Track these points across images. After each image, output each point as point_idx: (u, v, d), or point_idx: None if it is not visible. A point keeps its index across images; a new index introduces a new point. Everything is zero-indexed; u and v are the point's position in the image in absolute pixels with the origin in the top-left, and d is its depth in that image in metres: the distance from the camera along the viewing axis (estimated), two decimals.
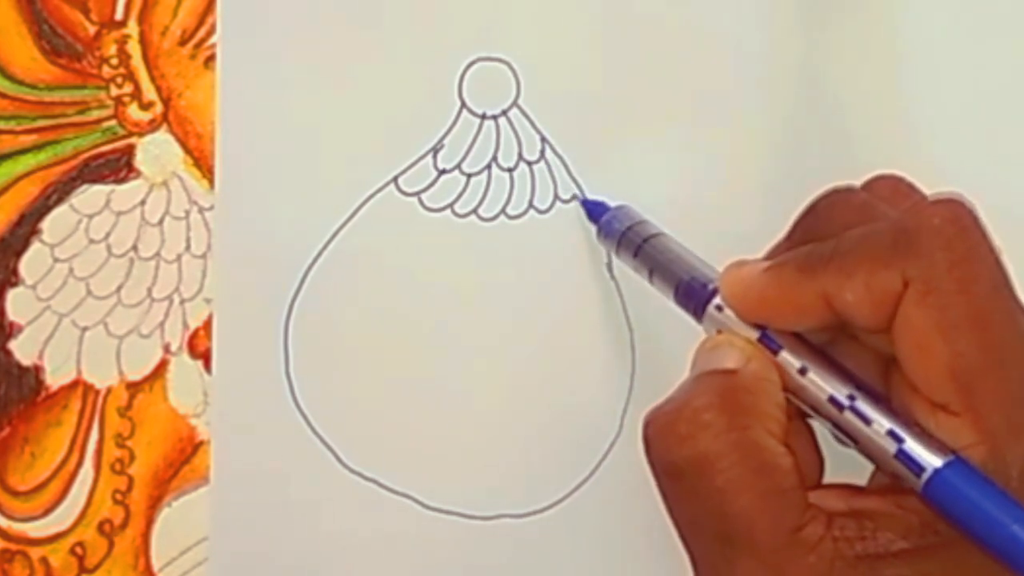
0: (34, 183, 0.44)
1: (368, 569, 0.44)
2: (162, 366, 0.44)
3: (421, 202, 0.44)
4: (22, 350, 0.44)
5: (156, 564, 0.44)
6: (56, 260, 0.44)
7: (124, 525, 0.44)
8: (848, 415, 0.32)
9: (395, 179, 0.44)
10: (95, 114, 0.44)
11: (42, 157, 0.44)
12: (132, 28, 0.44)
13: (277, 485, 0.44)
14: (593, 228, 0.44)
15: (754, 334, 0.34)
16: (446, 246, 0.44)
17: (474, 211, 0.44)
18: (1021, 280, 0.45)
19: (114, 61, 0.44)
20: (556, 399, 0.45)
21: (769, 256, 0.36)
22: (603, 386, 0.45)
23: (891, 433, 0.31)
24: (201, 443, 0.44)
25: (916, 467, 0.31)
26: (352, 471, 0.44)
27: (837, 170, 0.45)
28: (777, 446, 0.32)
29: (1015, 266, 0.45)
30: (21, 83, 0.44)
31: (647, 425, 0.33)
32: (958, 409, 0.30)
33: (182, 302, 0.44)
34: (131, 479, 0.44)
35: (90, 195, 0.44)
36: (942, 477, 0.30)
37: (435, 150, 0.44)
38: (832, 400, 0.32)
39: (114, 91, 0.44)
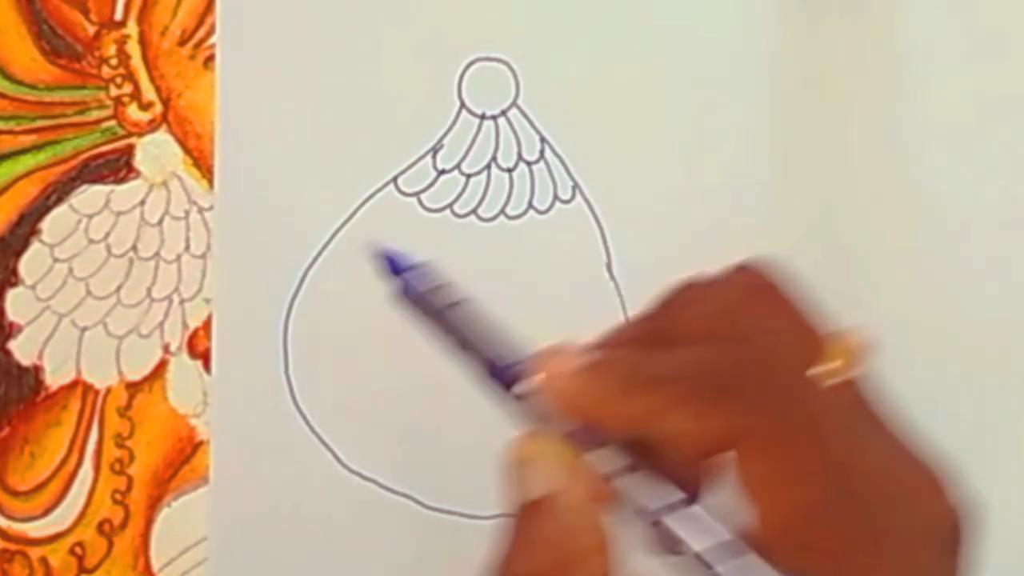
0: (34, 183, 0.44)
1: (367, 569, 0.44)
2: (162, 366, 0.44)
3: (420, 202, 0.44)
4: (22, 350, 0.44)
5: (155, 564, 0.44)
6: (56, 260, 0.44)
7: (124, 525, 0.44)
8: (662, 525, 0.31)
9: (394, 179, 0.44)
10: (95, 114, 0.44)
11: (42, 157, 0.44)
12: (132, 28, 0.44)
13: (276, 485, 0.44)
14: (585, 230, 0.44)
15: (566, 428, 0.32)
16: (445, 246, 0.44)
17: (473, 211, 0.44)
18: (1021, 283, 0.45)
19: (113, 61, 0.44)
20: None
21: (611, 338, 0.34)
22: None
23: (698, 557, 0.30)
24: (200, 443, 0.44)
25: None
26: (351, 471, 0.44)
27: (837, 170, 0.45)
28: None
29: (1014, 265, 0.46)
30: (21, 83, 0.44)
31: None
32: (795, 553, 0.30)
33: (182, 302, 0.44)
34: (131, 479, 0.44)
35: (90, 195, 0.44)
36: None
37: (434, 150, 0.44)
38: (646, 508, 0.31)
39: (114, 91, 0.44)
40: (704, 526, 0.31)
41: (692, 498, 0.32)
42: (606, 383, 0.31)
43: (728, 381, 0.30)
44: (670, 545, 0.31)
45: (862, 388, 0.33)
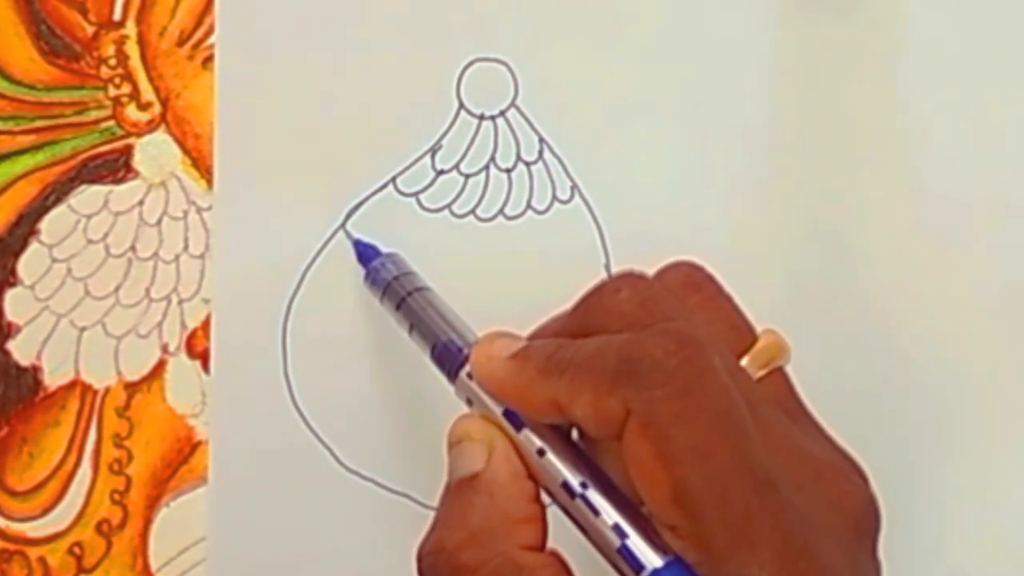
0: (32, 183, 0.44)
1: (366, 568, 0.44)
2: (160, 366, 0.44)
3: (419, 202, 0.44)
4: (20, 350, 0.44)
5: (154, 564, 0.44)
6: (54, 260, 0.44)
7: (122, 525, 0.44)
8: (578, 503, 0.32)
9: (393, 179, 0.44)
10: (93, 114, 0.44)
11: (40, 157, 0.44)
12: (130, 29, 0.44)
13: (275, 485, 0.44)
14: (584, 230, 0.44)
15: (499, 409, 0.34)
16: (444, 246, 0.44)
17: (472, 211, 0.45)
18: (1021, 278, 0.46)
19: (112, 62, 0.44)
20: None
21: (546, 326, 0.36)
22: None
23: (616, 527, 0.31)
24: (199, 443, 0.44)
25: (636, 564, 0.31)
26: (350, 471, 0.44)
27: (836, 171, 0.45)
28: (535, 559, 0.32)
29: (1013, 265, 0.46)
30: (19, 84, 0.44)
31: (418, 562, 0.33)
32: (683, 533, 0.30)
33: (180, 302, 0.44)
34: (129, 479, 0.44)
35: (88, 195, 0.44)
36: None
37: (433, 150, 0.44)
38: (565, 486, 0.32)
39: (112, 91, 0.44)
40: (616, 504, 0.32)
41: (611, 481, 0.33)
42: (523, 371, 0.33)
43: (624, 366, 0.31)
44: (583, 524, 0.32)
45: (787, 381, 0.34)
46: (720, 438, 0.31)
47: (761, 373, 0.34)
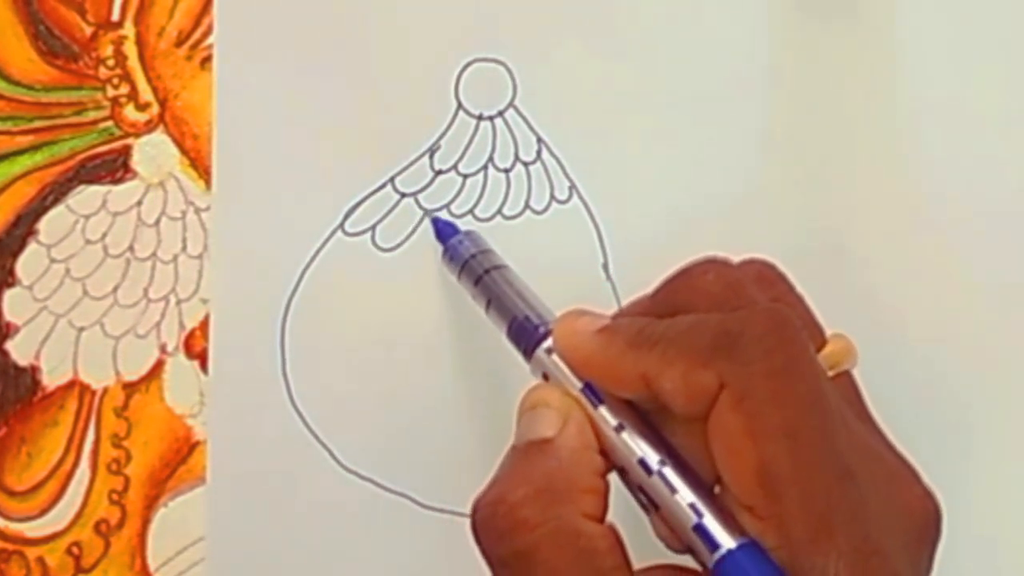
0: (31, 184, 0.44)
1: (365, 568, 0.44)
2: (158, 366, 0.44)
3: (418, 202, 0.44)
4: (19, 350, 0.44)
5: (152, 564, 0.44)
6: (53, 260, 0.44)
7: (120, 525, 0.44)
8: (655, 480, 0.32)
9: (392, 179, 0.44)
10: (92, 115, 0.44)
11: (39, 158, 0.44)
12: (128, 29, 0.44)
13: (274, 485, 0.44)
14: (582, 230, 0.44)
15: (578, 384, 0.34)
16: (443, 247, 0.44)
17: (470, 211, 0.45)
18: (1019, 284, 0.46)
19: (110, 62, 0.44)
20: None
21: (629, 308, 0.36)
22: None
23: (693, 506, 0.32)
24: (197, 443, 0.44)
25: (712, 543, 0.31)
26: (349, 470, 0.44)
27: (835, 171, 0.46)
28: (594, 528, 0.32)
29: (1011, 268, 0.46)
30: (18, 84, 0.44)
31: (473, 514, 0.33)
32: (763, 513, 0.30)
33: (178, 302, 0.44)
34: (127, 479, 0.44)
35: (87, 196, 0.44)
36: (734, 558, 0.30)
37: (432, 151, 0.44)
38: (642, 463, 0.33)
39: (110, 92, 0.44)
40: (691, 484, 0.32)
41: (687, 463, 0.33)
42: (612, 345, 0.33)
43: (722, 339, 0.31)
44: (658, 501, 0.32)
45: (855, 385, 0.35)
46: (811, 422, 0.31)
47: (830, 375, 0.34)
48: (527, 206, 0.45)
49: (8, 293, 0.44)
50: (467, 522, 0.45)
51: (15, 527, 0.44)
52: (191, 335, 0.44)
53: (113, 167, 0.44)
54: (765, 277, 0.35)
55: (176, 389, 0.44)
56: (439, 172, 0.44)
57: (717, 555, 0.31)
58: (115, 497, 0.44)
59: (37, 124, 0.44)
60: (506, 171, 0.45)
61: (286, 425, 0.44)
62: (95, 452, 0.44)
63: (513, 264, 0.44)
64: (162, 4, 0.44)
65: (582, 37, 0.45)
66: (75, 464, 0.44)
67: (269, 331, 0.44)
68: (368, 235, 0.44)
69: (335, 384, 0.44)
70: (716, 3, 0.45)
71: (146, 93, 0.44)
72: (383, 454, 0.44)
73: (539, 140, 0.45)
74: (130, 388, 0.44)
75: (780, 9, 0.45)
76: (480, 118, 0.45)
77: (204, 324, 0.44)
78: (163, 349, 0.44)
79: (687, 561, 0.33)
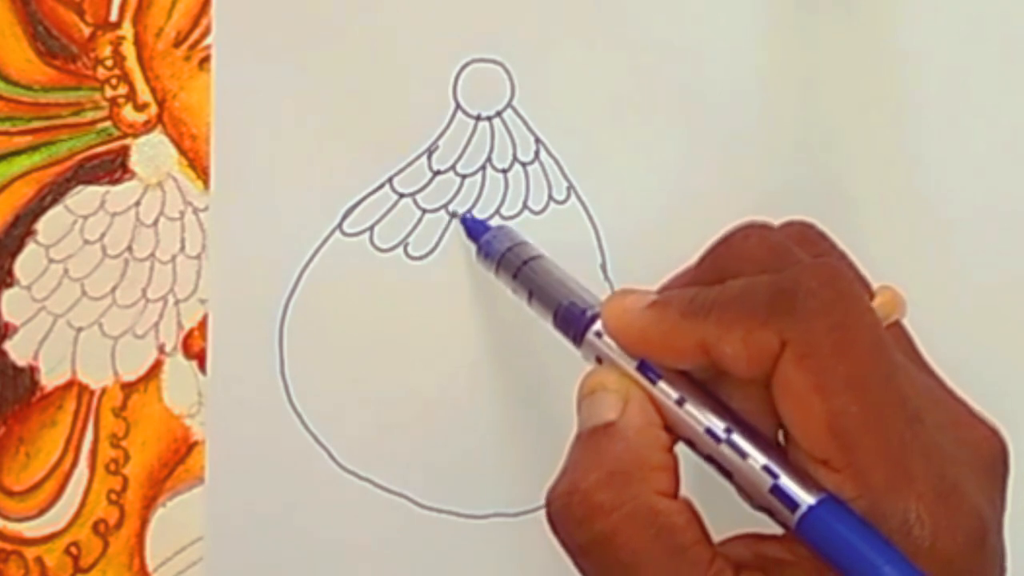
0: (29, 184, 0.44)
1: (363, 568, 0.44)
2: (157, 366, 0.44)
3: (416, 203, 0.44)
4: (17, 350, 0.44)
5: (151, 564, 0.44)
6: (51, 261, 0.44)
7: (119, 525, 0.44)
8: (724, 448, 0.32)
9: (390, 180, 0.44)
10: (90, 115, 0.44)
11: (37, 158, 0.44)
12: (127, 29, 0.44)
13: (272, 485, 0.44)
14: (580, 231, 0.44)
15: (633, 363, 0.34)
16: (441, 247, 0.44)
17: (469, 212, 0.45)
18: (1021, 283, 0.46)
19: (109, 63, 0.44)
20: (549, 398, 0.45)
21: (674, 281, 0.36)
22: None
23: (766, 468, 0.31)
24: (195, 443, 0.44)
25: (790, 503, 0.31)
26: (347, 471, 0.44)
27: (833, 171, 0.46)
28: (670, 504, 0.32)
29: (1012, 267, 0.46)
30: (16, 84, 0.44)
31: (548, 505, 0.33)
32: (838, 465, 0.30)
33: (177, 303, 0.44)
34: (126, 479, 0.44)
35: (85, 196, 0.44)
36: (816, 514, 0.30)
37: (430, 151, 0.44)
38: (709, 432, 0.32)
39: (109, 92, 0.44)
40: (762, 447, 0.32)
41: (753, 426, 0.33)
42: (665, 318, 0.33)
43: (775, 300, 0.31)
44: (730, 469, 0.32)
45: (907, 334, 0.35)
46: (875, 371, 0.31)
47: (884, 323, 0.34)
48: (525, 206, 0.45)
49: (6, 293, 0.44)
50: (463, 522, 0.45)
51: (13, 527, 0.44)
52: (189, 335, 0.44)
53: (111, 167, 0.44)
54: (807, 237, 0.36)
55: (174, 389, 0.44)
56: (437, 172, 0.44)
57: (798, 513, 0.30)
58: (113, 497, 0.44)
59: (35, 124, 0.44)
60: (504, 171, 0.45)
61: (284, 425, 0.44)
62: (93, 452, 0.44)
63: None
64: (160, 4, 0.44)
65: (580, 38, 0.45)
66: (73, 464, 0.44)
67: (267, 331, 0.44)
68: (366, 235, 0.44)
69: (333, 384, 0.44)
70: (715, 4, 0.45)
71: (144, 93, 0.44)
72: (381, 454, 0.44)
73: (537, 140, 0.45)
74: (128, 388, 0.44)
75: (779, 9, 0.45)
76: (478, 118, 0.45)
77: (202, 324, 0.44)
78: (161, 349, 0.44)
79: (763, 527, 0.33)
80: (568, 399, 0.45)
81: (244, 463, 0.44)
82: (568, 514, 0.32)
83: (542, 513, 0.45)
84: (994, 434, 0.33)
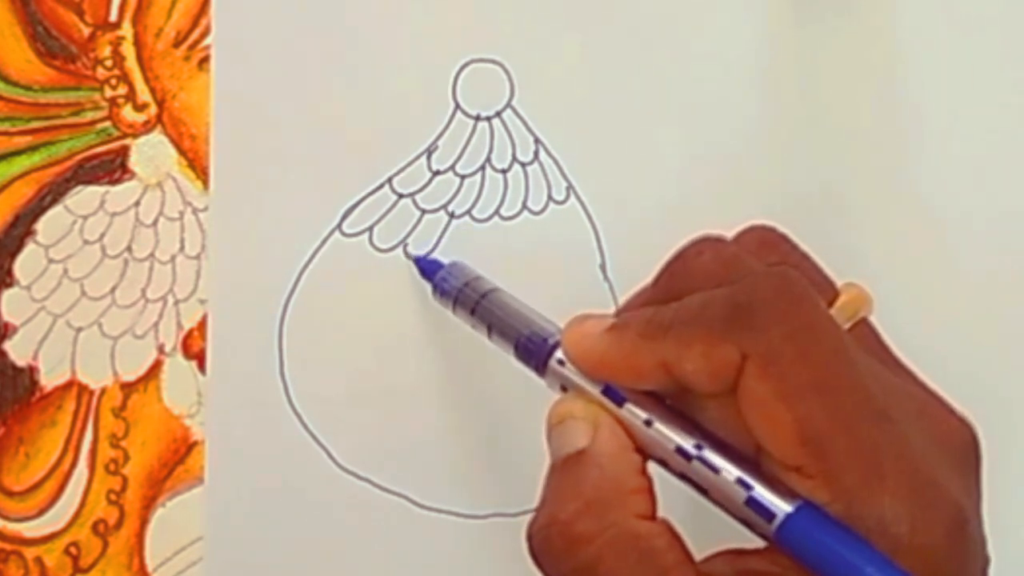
0: (28, 184, 0.44)
1: (362, 568, 0.44)
2: (156, 367, 0.44)
3: (415, 203, 0.44)
4: (17, 351, 0.44)
5: (150, 564, 0.44)
6: (50, 261, 0.44)
7: (118, 525, 0.44)
8: (696, 465, 0.32)
9: (389, 180, 0.44)
10: (89, 115, 0.44)
11: (36, 158, 0.44)
12: (126, 30, 0.44)
13: (271, 485, 0.44)
14: (580, 231, 0.44)
15: (597, 388, 0.34)
16: (440, 247, 0.44)
17: (468, 212, 0.45)
18: (1020, 281, 0.46)
19: (108, 63, 0.44)
20: (548, 398, 0.45)
21: (631, 301, 0.36)
22: None
23: (740, 481, 0.31)
24: (195, 443, 0.44)
25: (767, 513, 0.31)
26: (346, 471, 0.44)
27: (832, 171, 0.46)
28: (650, 527, 0.32)
29: (1010, 267, 0.46)
30: (16, 85, 0.44)
31: (529, 540, 0.33)
32: (811, 471, 0.30)
33: (176, 303, 0.44)
34: (125, 479, 0.44)
35: (84, 196, 0.44)
36: (793, 522, 0.30)
37: (429, 151, 0.44)
38: (679, 450, 0.32)
39: (108, 93, 0.44)
40: (733, 460, 0.32)
41: (723, 440, 0.32)
42: (624, 340, 0.33)
43: (733, 313, 0.31)
44: (704, 485, 0.32)
45: (874, 331, 0.35)
46: (838, 373, 0.31)
47: (847, 325, 0.34)
48: (524, 207, 0.45)
49: (6, 293, 0.44)
50: (463, 522, 0.45)
51: (13, 527, 0.44)
52: (189, 335, 0.44)
53: (111, 167, 0.44)
54: (767, 241, 0.36)
55: (174, 389, 0.44)
56: (436, 173, 0.44)
57: (776, 523, 0.30)
58: (113, 497, 0.44)
59: (35, 125, 0.44)
60: (503, 172, 0.45)
61: (284, 425, 0.44)
62: (93, 452, 0.44)
63: (510, 265, 0.45)
64: (160, 5, 0.44)
65: (580, 38, 0.45)
66: (73, 464, 0.44)
67: (267, 331, 0.44)
68: (366, 235, 0.44)
69: (332, 384, 0.44)
70: (714, 4, 0.45)
71: (144, 94, 0.44)
72: (380, 454, 0.44)
73: (536, 141, 0.45)
74: (128, 388, 0.44)
75: (778, 10, 0.45)
76: (478, 119, 0.45)
77: (202, 324, 0.44)
78: (161, 349, 0.44)
79: (744, 542, 0.32)
80: None
81: (244, 463, 0.44)
82: (550, 547, 0.32)
83: None
84: (963, 424, 0.33)
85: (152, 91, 0.44)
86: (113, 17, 0.44)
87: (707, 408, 0.33)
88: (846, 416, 0.30)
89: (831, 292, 0.35)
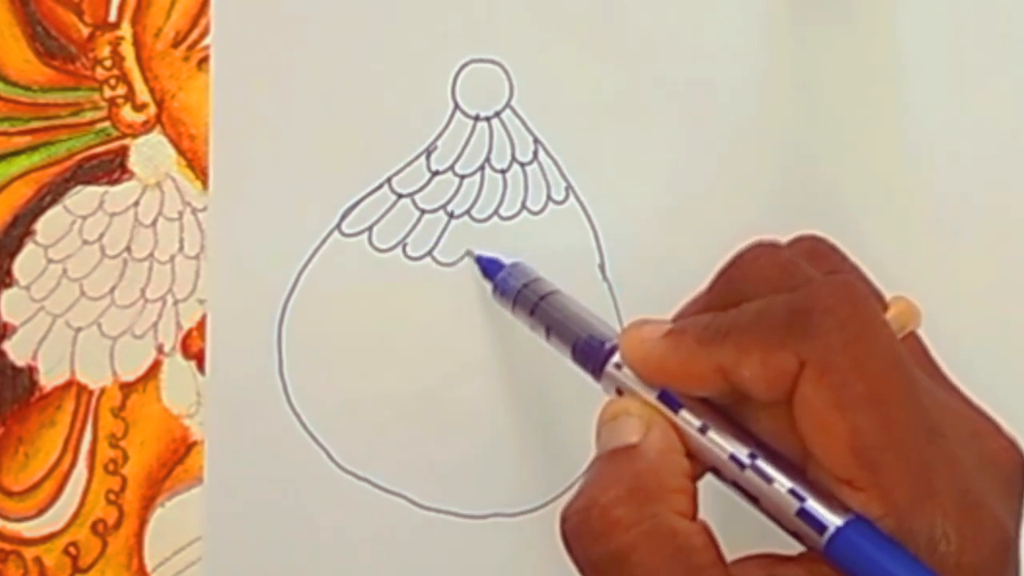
0: (28, 184, 0.44)
1: (361, 568, 0.44)
2: (155, 367, 0.44)
3: (415, 203, 0.44)
4: (16, 351, 0.44)
5: (149, 564, 0.44)
6: (50, 261, 0.44)
7: (117, 525, 0.44)
8: (749, 474, 0.32)
9: (389, 180, 0.44)
10: (89, 116, 0.44)
11: (36, 158, 0.44)
12: (125, 30, 0.44)
13: (270, 485, 0.44)
14: (579, 231, 0.44)
15: (653, 393, 0.34)
16: (439, 247, 0.44)
17: (467, 212, 0.45)
18: (1018, 291, 0.46)
19: (108, 63, 0.44)
20: (547, 399, 0.45)
21: (687, 308, 0.36)
22: (595, 387, 0.45)
23: (793, 492, 0.31)
24: (194, 443, 0.44)
25: (818, 525, 0.31)
26: (345, 471, 0.44)
27: (831, 172, 0.46)
28: (688, 526, 0.32)
29: (1011, 268, 0.46)
30: (15, 85, 0.44)
31: (563, 522, 0.33)
32: (863, 484, 0.30)
33: (175, 303, 0.44)
34: (124, 479, 0.44)
35: (84, 196, 0.44)
36: (844, 536, 0.30)
37: (428, 151, 0.44)
38: (733, 459, 0.32)
39: (107, 93, 0.44)
40: (786, 471, 0.32)
41: (776, 450, 0.33)
42: (682, 345, 0.33)
43: (792, 319, 0.31)
44: (756, 494, 0.32)
45: (923, 345, 0.35)
46: (895, 386, 0.31)
47: (898, 335, 0.34)
48: (524, 207, 0.45)
49: (5, 293, 0.44)
50: (462, 522, 0.45)
51: (12, 527, 0.44)
52: (188, 335, 0.44)
53: (110, 168, 0.44)
54: (817, 252, 0.35)
55: (173, 389, 0.44)
56: (436, 173, 0.44)
57: (826, 536, 0.30)
58: (112, 497, 0.44)
59: (34, 125, 0.44)
60: (503, 172, 0.45)
61: (283, 425, 0.44)
62: (92, 452, 0.44)
63: None
64: (159, 5, 0.44)
65: (579, 38, 0.45)
66: (72, 464, 0.44)
67: (266, 331, 0.44)
68: (365, 236, 0.44)
69: (332, 384, 0.44)
70: (712, 4, 0.45)
71: (143, 94, 0.44)
72: (380, 454, 0.44)
73: (536, 141, 0.45)
74: (127, 388, 0.44)
75: (778, 10, 0.45)
76: (477, 119, 0.45)
77: (201, 324, 0.44)
78: (160, 349, 0.44)
79: (777, 547, 0.33)
80: (566, 398, 0.45)
81: (243, 463, 0.44)
82: (586, 529, 0.32)
83: (541, 513, 0.45)
84: (1013, 445, 0.33)
85: (151, 91, 0.44)
86: (112, 17, 0.44)
87: (759, 417, 0.33)
88: (900, 430, 0.30)
89: (882, 304, 0.35)
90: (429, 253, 0.44)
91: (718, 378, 0.32)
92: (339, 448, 0.44)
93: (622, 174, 0.45)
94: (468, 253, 0.44)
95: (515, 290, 0.41)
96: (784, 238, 0.45)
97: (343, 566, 0.44)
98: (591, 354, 0.37)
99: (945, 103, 0.46)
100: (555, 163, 0.45)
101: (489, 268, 0.43)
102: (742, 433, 0.33)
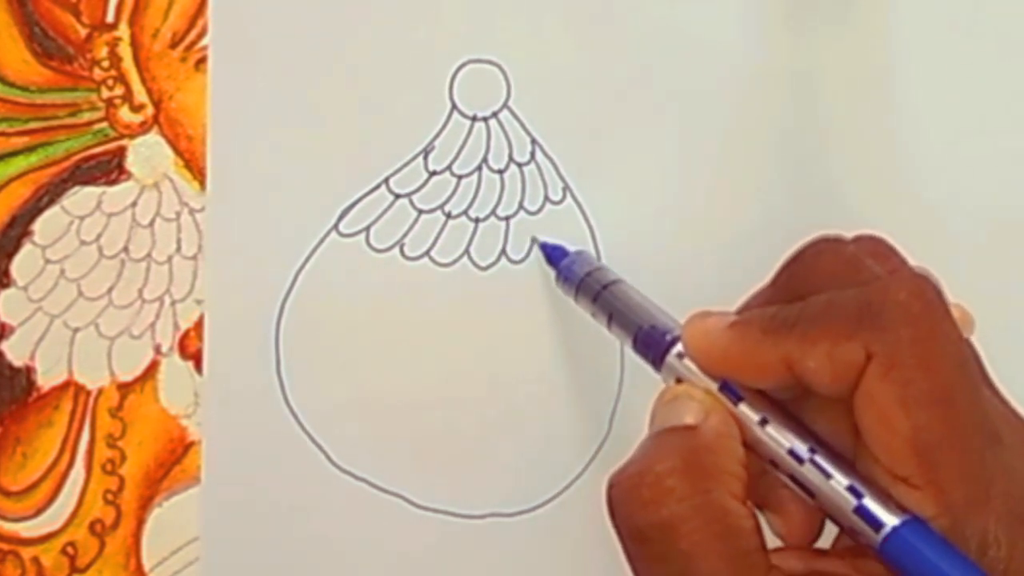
0: (25, 185, 0.44)
1: (359, 568, 0.44)
2: (153, 367, 0.44)
3: (412, 203, 0.44)
4: (13, 351, 0.44)
5: (147, 564, 0.44)
6: (47, 261, 0.44)
7: (115, 525, 0.44)
8: (808, 468, 0.32)
9: (386, 180, 0.44)
10: (86, 116, 0.44)
11: (33, 159, 0.44)
12: (123, 31, 0.44)
13: (268, 485, 0.44)
14: (576, 230, 0.44)
15: (714, 384, 0.34)
16: (437, 247, 0.44)
17: (465, 212, 0.45)
18: (1018, 286, 0.46)
19: (105, 63, 0.44)
20: (546, 399, 0.45)
21: (751, 301, 0.36)
22: (592, 387, 0.45)
23: (851, 488, 0.31)
24: (192, 443, 0.44)
25: (875, 523, 0.31)
26: (343, 471, 0.44)
27: (830, 172, 0.46)
28: (739, 508, 0.32)
29: (1010, 270, 0.46)
30: (12, 85, 0.44)
31: (611, 487, 0.32)
32: (919, 483, 0.30)
33: (173, 303, 0.44)
34: (122, 479, 0.44)
35: (81, 197, 0.44)
36: (900, 535, 0.30)
37: (426, 151, 0.45)
38: (792, 453, 0.32)
39: (105, 93, 0.44)
40: (845, 468, 0.32)
41: (835, 446, 0.33)
42: (747, 336, 0.33)
43: (863, 312, 0.31)
44: (813, 490, 0.32)
45: (976, 353, 0.34)
46: (959, 386, 0.31)
47: None
48: (521, 207, 0.45)
49: (3, 294, 0.44)
50: (460, 522, 0.45)
51: (10, 527, 0.44)
52: (186, 336, 0.44)
53: (108, 168, 0.44)
54: (878, 252, 0.35)
55: (171, 390, 0.44)
56: (433, 173, 0.44)
57: (883, 534, 0.30)
58: (110, 497, 0.44)
59: (32, 125, 0.44)
60: (500, 172, 0.45)
61: (280, 425, 0.44)
62: (90, 452, 0.44)
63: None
64: (157, 5, 0.44)
65: (576, 38, 0.45)
66: (70, 464, 0.44)
67: (263, 332, 0.44)
68: (362, 236, 0.44)
69: (329, 385, 0.44)
70: (710, 4, 0.45)
71: (141, 94, 0.44)
72: (377, 454, 0.44)
73: (533, 141, 0.45)
74: (125, 389, 0.44)
75: (777, 10, 0.45)
76: (474, 119, 0.45)
77: (199, 325, 0.44)
78: (158, 350, 0.44)
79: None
80: (565, 398, 0.45)
81: (240, 463, 0.44)
82: (635, 495, 0.31)
83: (538, 513, 0.45)
84: None
85: (149, 92, 0.44)
86: (110, 18, 0.44)
87: (816, 413, 0.33)
88: (962, 432, 0.30)
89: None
90: (427, 253, 0.44)
91: (782, 369, 0.32)
92: (337, 448, 0.44)
93: (619, 174, 0.45)
94: (534, 240, 0.44)
95: (579, 277, 0.41)
96: (784, 238, 0.45)
97: (340, 566, 0.44)
98: (652, 343, 0.36)
99: (943, 102, 0.46)
100: (552, 163, 0.45)
101: (553, 255, 0.43)
102: (802, 428, 0.33)
